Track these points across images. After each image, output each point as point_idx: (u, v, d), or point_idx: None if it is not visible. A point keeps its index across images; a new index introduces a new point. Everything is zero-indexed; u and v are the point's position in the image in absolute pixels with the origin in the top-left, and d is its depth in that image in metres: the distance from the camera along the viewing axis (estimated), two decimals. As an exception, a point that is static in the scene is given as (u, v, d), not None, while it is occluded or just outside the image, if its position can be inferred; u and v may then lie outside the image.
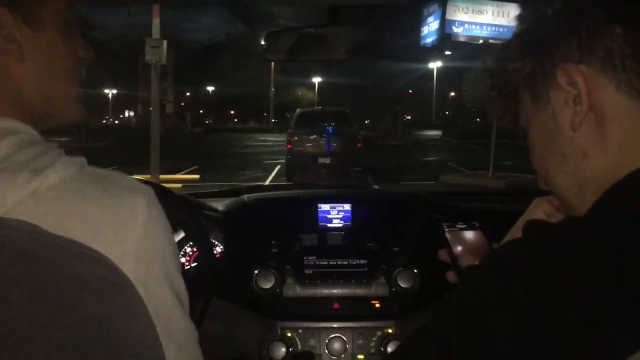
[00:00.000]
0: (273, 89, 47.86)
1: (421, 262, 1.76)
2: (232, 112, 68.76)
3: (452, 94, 45.51)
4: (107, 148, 21.96)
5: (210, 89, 63.63)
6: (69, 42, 0.76)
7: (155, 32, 11.77)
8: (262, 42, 1.75)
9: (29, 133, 0.68)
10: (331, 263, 1.79)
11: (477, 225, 1.11)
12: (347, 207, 1.91)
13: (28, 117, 0.70)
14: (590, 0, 0.59)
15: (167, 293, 0.70)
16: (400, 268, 1.75)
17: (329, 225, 1.90)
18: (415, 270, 1.75)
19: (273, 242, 1.83)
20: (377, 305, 1.74)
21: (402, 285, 1.73)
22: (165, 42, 11.26)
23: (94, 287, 0.55)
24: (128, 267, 0.62)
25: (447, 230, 1.10)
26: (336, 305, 1.74)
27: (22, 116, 0.69)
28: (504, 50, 0.69)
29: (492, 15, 10.00)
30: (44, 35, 0.72)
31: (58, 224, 0.59)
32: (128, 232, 0.65)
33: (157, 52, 11.11)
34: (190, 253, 1.80)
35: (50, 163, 0.63)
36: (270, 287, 1.73)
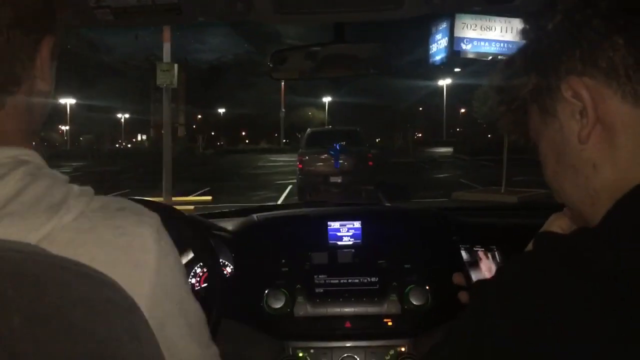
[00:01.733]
0: (283, 110, 48.11)
1: (434, 279, 1.74)
2: (243, 133, 69.11)
3: (462, 110, 45.51)
4: (120, 171, 22.13)
5: (221, 110, 64.07)
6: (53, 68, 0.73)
7: (166, 56, 11.91)
8: (269, 61, 1.75)
9: (36, 161, 0.67)
10: (342, 281, 1.78)
11: (494, 248, 1.10)
12: (357, 224, 1.90)
13: (31, 140, 0.70)
14: (590, 12, 0.59)
15: (182, 326, 0.71)
16: (412, 285, 1.72)
17: (339, 243, 1.89)
18: (428, 288, 1.72)
19: (283, 261, 1.81)
20: (390, 323, 1.72)
21: (414, 303, 1.70)
22: (176, 66, 11.39)
23: (99, 309, 0.54)
24: (144, 307, 0.61)
25: (464, 252, 1.08)
26: (348, 324, 1.72)
27: (28, 140, 0.69)
28: (509, 66, 0.69)
29: (501, 31, 10.01)
30: (54, 63, 0.72)
31: None
32: (141, 273, 0.65)
33: (168, 76, 11.24)
34: (200, 274, 1.79)
35: (62, 199, 0.63)
36: (281, 307, 1.71)
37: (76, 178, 0.71)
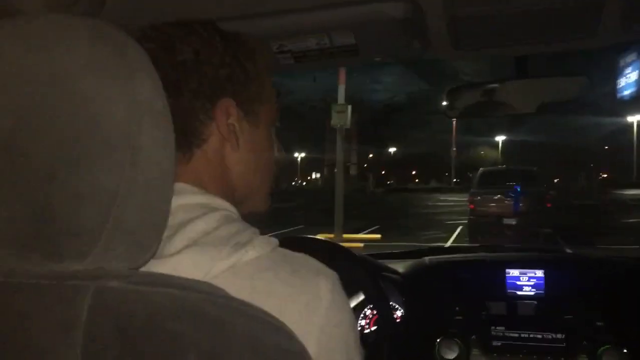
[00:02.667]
0: (455, 148, 47.31)
1: (632, 340, 1.53)
2: (413, 172, 69.05)
3: (657, 148, 41.23)
4: (295, 208, 23.19)
5: (392, 149, 64.77)
6: (272, 139, 0.86)
7: (341, 97, 12.36)
8: (444, 99, 1.70)
9: (231, 211, 0.75)
10: (522, 335, 1.63)
11: None
12: (540, 273, 1.74)
13: (231, 199, 0.77)
14: None
15: None
16: (607, 346, 1.53)
17: (519, 292, 1.74)
18: (626, 351, 1.51)
19: (457, 308, 1.71)
20: (579, 387, 1.53)
21: (608, 366, 1.51)
22: (349, 107, 11.77)
23: (272, 358, 0.54)
24: (310, 351, 0.61)
25: None
26: None
27: (226, 197, 0.77)
28: None
29: None
30: (257, 130, 0.82)
31: (251, 298, 0.60)
32: (312, 314, 0.66)
33: (342, 117, 11.64)
34: (370, 316, 1.76)
35: (248, 240, 0.68)
36: (454, 358, 1.61)
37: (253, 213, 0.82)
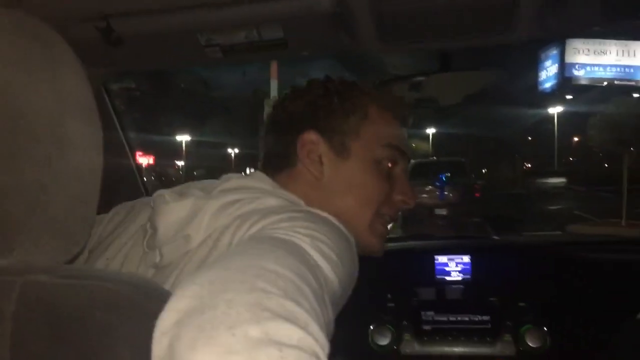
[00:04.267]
0: (387, 142, 47.82)
1: (552, 319, 1.62)
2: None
3: (576, 139, 43.23)
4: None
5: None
6: (372, 174, 0.95)
7: (273, 91, 12.27)
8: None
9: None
10: (451, 319, 1.69)
11: None
12: (467, 259, 1.81)
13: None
14: None
15: None
16: (529, 325, 1.61)
17: (447, 278, 1.81)
18: (546, 329, 1.60)
19: (389, 296, 1.76)
20: (503, 365, 1.61)
21: (530, 345, 1.59)
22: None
23: None
24: None
25: None
26: None
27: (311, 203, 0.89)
28: None
29: (617, 55, 9.47)
30: (346, 163, 0.93)
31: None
32: None
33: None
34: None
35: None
36: (387, 344, 1.65)
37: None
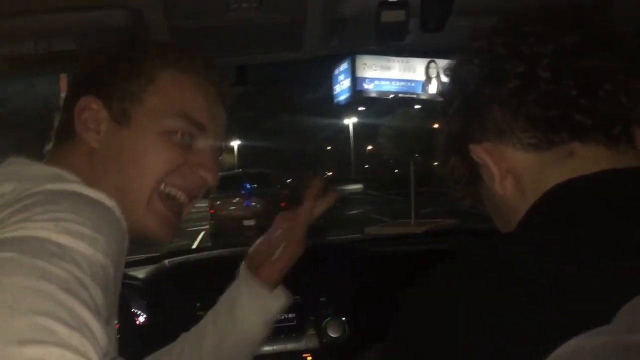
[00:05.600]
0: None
1: (349, 310, 1.77)
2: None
3: (369, 147, 46.68)
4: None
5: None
6: (156, 145, 0.84)
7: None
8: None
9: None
10: None
11: None
12: (271, 262, 1.90)
13: None
14: (476, 95, 0.72)
15: None
16: (329, 318, 1.75)
17: (255, 282, 1.88)
18: (344, 319, 1.75)
19: (198, 304, 1.78)
20: (309, 358, 1.72)
21: (331, 335, 1.72)
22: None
23: None
24: None
25: None
26: None
27: None
28: (439, 151, 0.83)
29: (399, 70, 10.42)
30: (126, 132, 0.84)
31: None
32: None
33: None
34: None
35: None
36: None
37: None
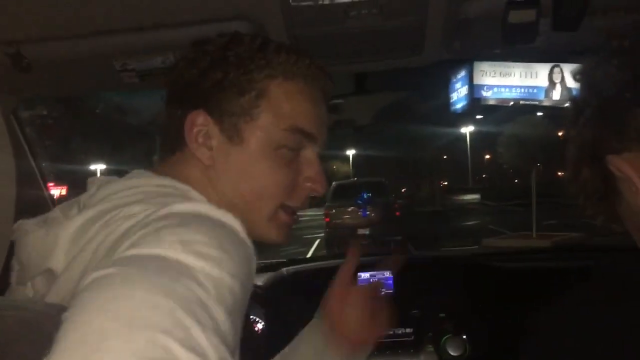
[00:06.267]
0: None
1: (471, 328, 1.69)
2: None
3: (487, 156, 45.28)
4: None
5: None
6: (268, 163, 0.83)
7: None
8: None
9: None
10: None
11: None
12: (388, 274, 1.86)
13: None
14: (615, 100, 0.66)
15: None
16: (449, 335, 1.67)
17: (371, 294, 1.85)
18: (465, 337, 1.67)
19: (315, 314, 1.78)
20: (427, 376, 1.66)
21: (451, 354, 1.65)
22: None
23: None
24: None
25: None
26: None
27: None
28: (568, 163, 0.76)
29: (520, 76, 10.02)
30: (238, 149, 0.82)
31: None
32: None
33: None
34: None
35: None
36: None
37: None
